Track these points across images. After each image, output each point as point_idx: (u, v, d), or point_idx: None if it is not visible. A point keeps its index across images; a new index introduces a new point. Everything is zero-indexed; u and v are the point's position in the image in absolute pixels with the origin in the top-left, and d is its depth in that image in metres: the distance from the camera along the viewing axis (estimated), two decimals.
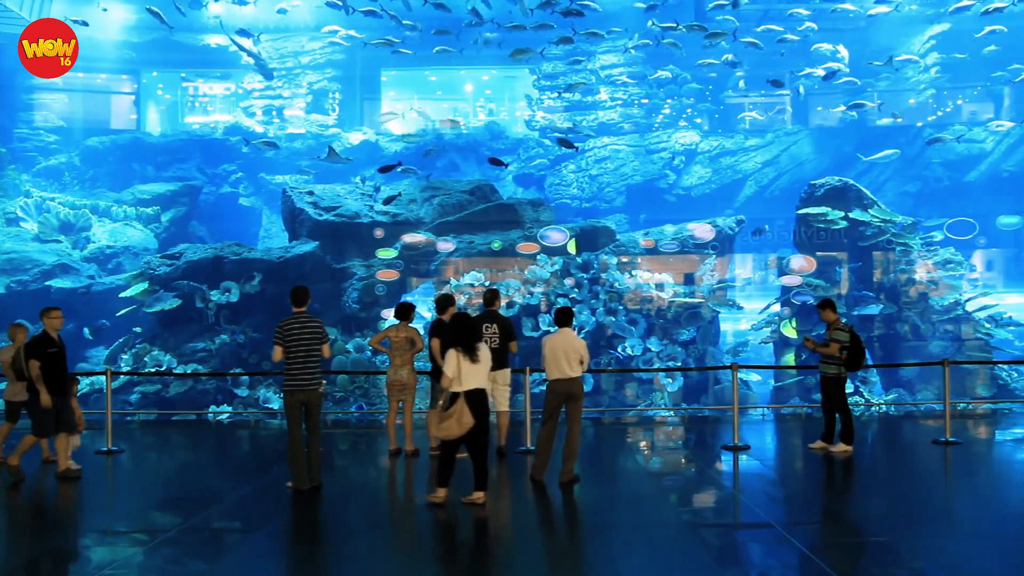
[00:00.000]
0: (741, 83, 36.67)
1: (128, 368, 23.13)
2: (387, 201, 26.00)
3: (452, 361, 8.62)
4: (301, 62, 38.85)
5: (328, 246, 25.46)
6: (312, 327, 9.46)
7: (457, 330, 8.83)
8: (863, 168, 35.85)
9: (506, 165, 29.10)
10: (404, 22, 31.14)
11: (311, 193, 26.85)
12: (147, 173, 36.30)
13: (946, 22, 34.77)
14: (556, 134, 34.13)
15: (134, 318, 24.91)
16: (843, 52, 34.82)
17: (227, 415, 20.10)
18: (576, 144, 30.21)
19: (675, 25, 29.69)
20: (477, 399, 8.67)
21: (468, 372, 8.64)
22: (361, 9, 31.20)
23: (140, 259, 28.17)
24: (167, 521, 8.86)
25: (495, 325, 11.26)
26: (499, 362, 11.34)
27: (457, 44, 31.52)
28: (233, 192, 37.58)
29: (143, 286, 24.61)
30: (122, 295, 25.01)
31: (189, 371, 22.68)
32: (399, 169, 26.17)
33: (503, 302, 23.78)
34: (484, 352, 8.84)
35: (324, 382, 9.84)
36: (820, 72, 32.92)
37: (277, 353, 9.36)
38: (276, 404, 22.00)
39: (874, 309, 24.64)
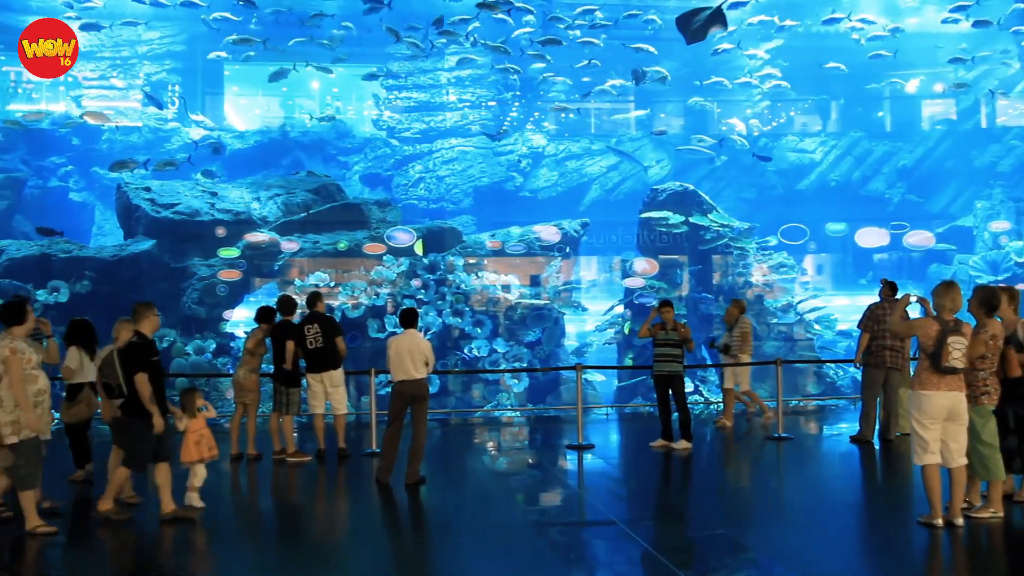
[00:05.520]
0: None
1: None
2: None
3: (75, 356, 9.75)
4: (138, 52, 37.18)
5: (166, 245, 24.45)
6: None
7: (78, 331, 9.98)
8: (703, 174, 37.05)
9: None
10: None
11: (148, 189, 25.74)
12: None
13: (780, 37, 36.31)
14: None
15: None
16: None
17: (56, 421, 19.01)
18: None
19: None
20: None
21: (87, 366, 9.73)
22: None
23: None
24: None
25: (316, 325, 11.10)
26: (327, 363, 11.14)
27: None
28: (62, 186, 35.54)
29: None
30: None
31: None
32: None
33: (352, 302, 23.44)
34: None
35: None
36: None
37: None
38: None
39: (792, 318, 25.64)
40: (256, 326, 11.41)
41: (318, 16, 30.69)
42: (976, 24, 31.79)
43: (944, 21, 32.92)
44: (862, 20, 34.46)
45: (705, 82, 35.90)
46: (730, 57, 35.62)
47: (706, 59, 34.30)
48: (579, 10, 32.41)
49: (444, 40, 31.36)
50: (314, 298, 11.44)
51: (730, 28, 26.73)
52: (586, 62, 32.35)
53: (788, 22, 34.50)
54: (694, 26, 18.89)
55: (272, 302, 11.93)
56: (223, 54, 33.28)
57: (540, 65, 32.44)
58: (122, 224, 26.49)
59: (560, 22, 31.51)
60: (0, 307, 8.24)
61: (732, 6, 29.06)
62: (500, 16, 30.30)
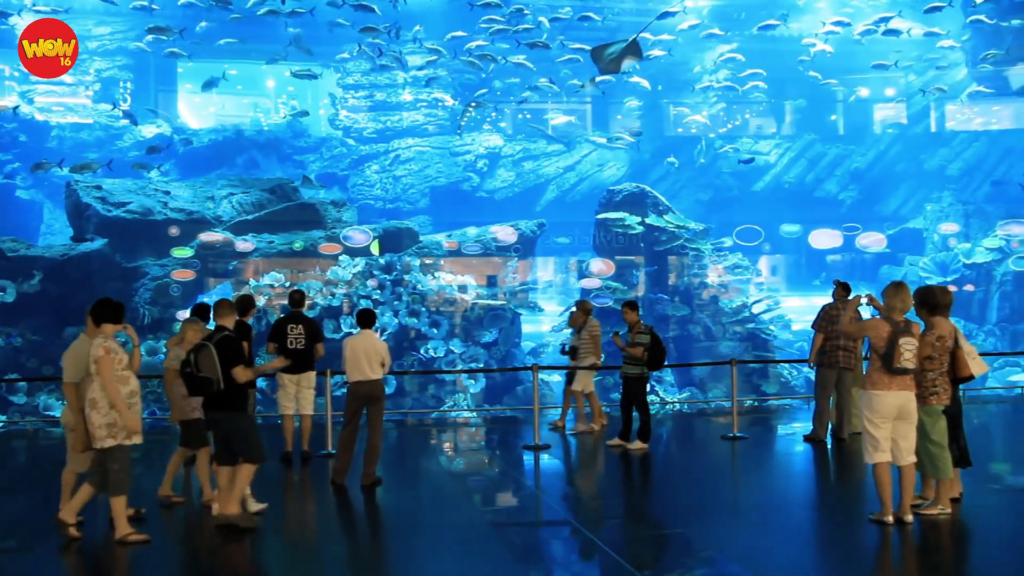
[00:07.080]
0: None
1: None
2: None
3: None
4: (88, 47, 36.55)
5: (118, 244, 24.13)
6: None
7: None
8: (660, 175, 37.26)
9: None
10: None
11: (99, 188, 25.38)
12: None
13: (735, 41, 36.60)
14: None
15: None
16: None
17: (1, 424, 18.75)
18: None
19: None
20: None
21: None
22: None
23: None
24: None
25: (300, 326, 11.00)
26: (304, 364, 11.06)
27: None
28: (9, 183, 34.80)
29: None
30: None
31: None
32: None
33: (307, 302, 23.26)
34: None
35: None
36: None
37: None
38: (58, 411, 20.66)
39: (759, 323, 26.01)
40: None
41: (237, 18, 30.43)
42: (887, 33, 32.48)
43: (864, 33, 33.45)
44: (837, 23, 34.67)
45: (698, 86, 36.37)
46: (688, 58, 35.95)
47: (665, 60, 34.51)
48: (512, 8, 32.06)
49: (380, 41, 31.06)
50: (300, 297, 11.32)
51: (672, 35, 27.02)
52: (566, 57, 32.41)
53: (716, 30, 34.86)
54: (607, 59, 18.80)
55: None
56: (144, 46, 32.93)
57: (489, 68, 32.31)
58: (72, 223, 26.07)
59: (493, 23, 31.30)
60: (99, 302, 7.86)
61: (663, 15, 29.57)
62: (495, 26, 30.37)
